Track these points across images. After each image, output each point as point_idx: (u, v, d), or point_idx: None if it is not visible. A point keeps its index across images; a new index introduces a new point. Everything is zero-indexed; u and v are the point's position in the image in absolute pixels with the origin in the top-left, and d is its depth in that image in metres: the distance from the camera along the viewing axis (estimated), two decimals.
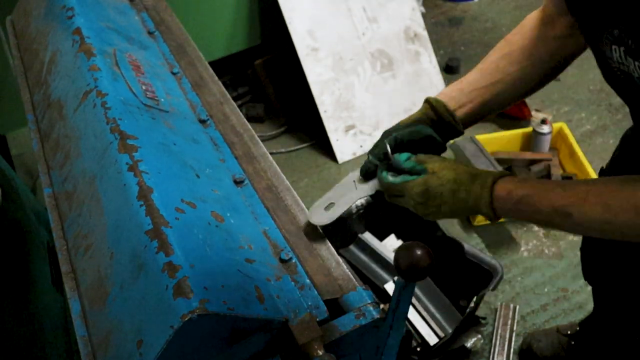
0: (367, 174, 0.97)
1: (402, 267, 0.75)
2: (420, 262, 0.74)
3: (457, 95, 1.00)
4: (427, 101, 1.00)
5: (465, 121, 1.01)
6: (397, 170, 0.92)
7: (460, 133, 1.00)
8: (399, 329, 0.80)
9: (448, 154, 2.41)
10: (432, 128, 0.98)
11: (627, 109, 0.95)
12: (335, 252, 0.90)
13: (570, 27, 0.95)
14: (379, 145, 0.96)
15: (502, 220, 2.18)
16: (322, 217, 0.93)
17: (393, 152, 0.94)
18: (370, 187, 0.96)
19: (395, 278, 0.82)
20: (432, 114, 0.99)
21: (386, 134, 0.97)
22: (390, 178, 0.90)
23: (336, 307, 0.80)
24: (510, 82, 0.99)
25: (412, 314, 1.68)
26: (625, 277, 1.09)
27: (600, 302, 1.36)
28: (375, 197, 0.96)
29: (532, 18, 1.01)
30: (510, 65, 0.99)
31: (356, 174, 0.98)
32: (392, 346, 0.82)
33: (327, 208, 0.95)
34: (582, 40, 0.93)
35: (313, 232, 0.92)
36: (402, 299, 0.77)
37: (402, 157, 0.92)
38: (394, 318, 0.78)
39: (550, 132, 2.29)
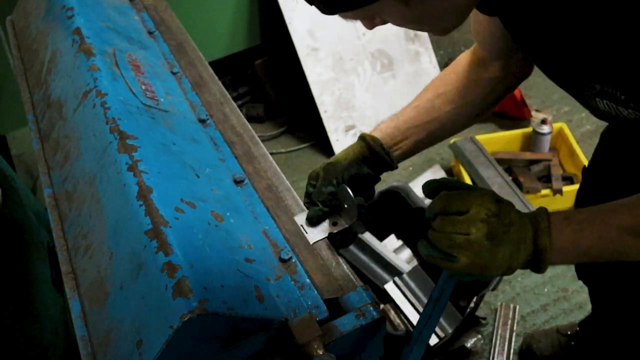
0: (316, 222, 0.91)
1: None
2: None
3: (392, 132, 1.01)
4: (363, 138, 1.00)
5: (399, 158, 1.02)
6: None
7: (393, 168, 1.02)
8: (436, 320, 0.81)
9: (449, 154, 2.41)
10: (365, 163, 0.98)
11: None
12: (336, 252, 0.89)
13: (503, 69, 0.98)
14: (322, 192, 0.91)
15: None
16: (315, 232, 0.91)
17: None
18: (322, 231, 0.91)
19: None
20: (366, 152, 0.99)
21: (326, 180, 0.93)
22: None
23: (336, 307, 0.80)
24: (444, 121, 1.01)
25: (411, 314, 1.68)
26: (619, 274, 1.09)
27: (597, 301, 1.36)
28: (330, 238, 0.90)
29: (464, 58, 1.02)
30: (445, 105, 1.00)
31: (302, 218, 0.93)
32: (426, 336, 0.84)
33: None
34: (514, 79, 0.98)
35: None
36: (445, 289, 0.78)
37: (442, 180, 0.78)
38: (434, 308, 0.79)
39: (550, 132, 2.29)
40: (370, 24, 0.74)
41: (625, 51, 0.65)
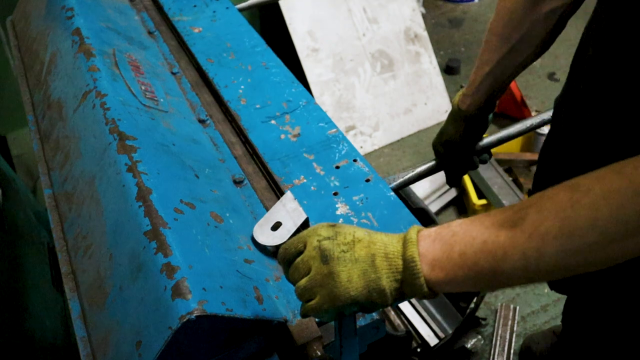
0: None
1: None
2: None
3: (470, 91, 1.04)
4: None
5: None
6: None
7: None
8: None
9: None
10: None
11: None
12: None
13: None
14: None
15: None
16: (271, 237, 0.84)
17: None
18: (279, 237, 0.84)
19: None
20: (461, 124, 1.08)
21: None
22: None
23: None
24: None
25: (412, 315, 1.68)
26: (588, 282, 1.05)
27: (568, 310, 1.34)
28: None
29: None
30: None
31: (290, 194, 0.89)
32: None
33: (274, 228, 0.85)
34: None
35: None
36: (343, 333, 0.69)
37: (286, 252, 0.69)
38: (341, 354, 0.71)
39: None
40: None
41: None
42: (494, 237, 0.58)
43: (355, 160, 0.98)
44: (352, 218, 0.88)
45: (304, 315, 0.66)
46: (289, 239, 0.80)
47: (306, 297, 0.65)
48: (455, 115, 1.08)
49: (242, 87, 1.15)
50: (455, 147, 1.12)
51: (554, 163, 1.08)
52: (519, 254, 0.56)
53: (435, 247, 0.62)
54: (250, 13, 2.52)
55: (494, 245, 0.58)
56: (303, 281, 0.64)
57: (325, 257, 0.63)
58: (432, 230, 0.64)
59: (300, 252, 0.65)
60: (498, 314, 1.87)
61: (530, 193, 1.22)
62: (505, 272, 0.58)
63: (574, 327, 1.30)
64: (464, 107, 1.06)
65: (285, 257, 0.67)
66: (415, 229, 0.64)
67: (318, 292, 0.63)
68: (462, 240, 0.60)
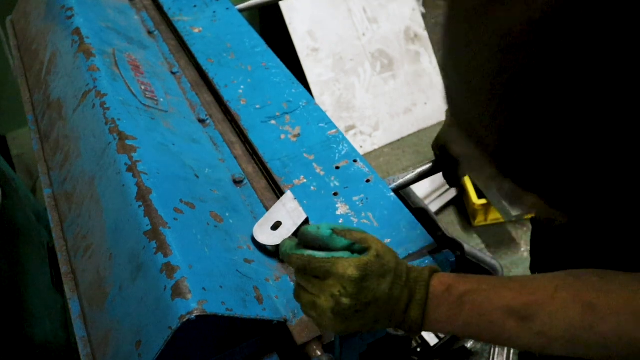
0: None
1: None
2: None
3: None
4: None
5: None
6: (311, 248, 0.67)
7: None
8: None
9: None
10: None
11: None
12: None
13: None
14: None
15: (502, 220, 2.18)
16: (271, 237, 0.84)
17: None
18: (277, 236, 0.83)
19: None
20: None
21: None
22: (309, 251, 0.65)
23: None
24: None
25: None
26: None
27: None
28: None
29: None
30: None
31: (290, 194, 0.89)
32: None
33: (274, 227, 0.84)
34: None
35: None
36: (344, 350, 0.73)
37: (324, 231, 0.66)
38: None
39: None
40: None
41: None
42: (501, 323, 0.59)
43: (355, 161, 0.98)
44: (352, 218, 0.88)
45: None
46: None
47: (299, 300, 0.67)
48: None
49: (242, 87, 1.15)
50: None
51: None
52: (523, 344, 0.59)
53: (440, 311, 0.63)
54: (250, 13, 2.52)
55: (500, 329, 0.59)
56: (309, 311, 0.65)
57: (337, 312, 0.62)
58: (443, 287, 0.63)
59: (318, 277, 0.64)
60: None
61: None
62: (506, 346, 0.61)
63: None
64: None
65: (304, 270, 0.64)
66: (423, 284, 0.64)
67: (321, 323, 0.65)
68: (470, 313, 0.61)
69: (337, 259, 0.63)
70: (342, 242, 0.65)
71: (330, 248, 0.65)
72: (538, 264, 1.18)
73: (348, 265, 0.62)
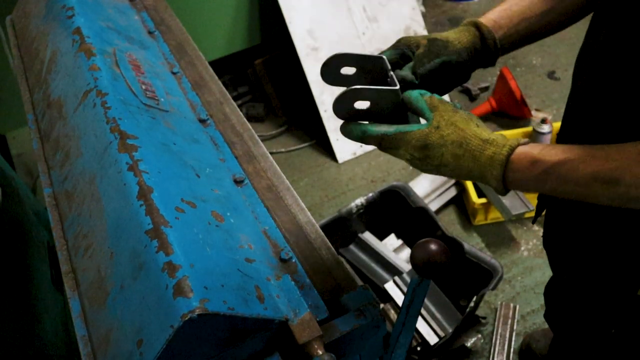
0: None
1: (418, 262, 0.75)
2: (436, 258, 0.74)
3: (505, 23, 0.89)
4: (478, 27, 0.87)
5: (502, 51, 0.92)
6: (399, 108, 0.77)
7: (493, 65, 0.91)
8: (411, 327, 0.80)
9: None
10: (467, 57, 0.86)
11: None
12: (335, 252, 0.90)
13: None
14: (424, 63, 0.82)
15: (501, 219, 2.18)
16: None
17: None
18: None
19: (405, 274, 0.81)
20: (478, 43, 0.87)
21: (432, 54, 0.83)
22: (382, 129, 0.74)
23: (336, 306, 0.80)
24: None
25: None
26: (588, 246, 1.03)
27: (558, 271, 1.31)
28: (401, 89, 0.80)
29: None
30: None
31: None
32: (403, 344, 0.82)
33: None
34: None
35: (313, 232, 0.92)
36: (416, 296, 0.77)
37: (413, 95, 0.76)
38: (407, 315, 0.78)
39: (550, 132, 2.29)
40: None
41: None
42: (587, 186, 0.65)
43: None
44: None
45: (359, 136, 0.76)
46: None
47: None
48: (474, 38, 0.87)
49: None
50: (443, 72, 0.88)
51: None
52: (605, 202, 0.66)
53: (524, 182, 0.69)
54: (251, 13, 2.52)
55: (585, 190, 0.66)
56: (395, 152, 0.75)
57: (416, 167, 0.75)
58: (526, 164, 0.68)
59: (391, 148, 0.75)
60: (498, 312, 1.87)
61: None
62: (588, 201, 0.68)
63: (554, 305, 1.30)
64: (497, 34, 0.89)
65: (378, 145, 0.75)
66: (500, 164, 0.69)
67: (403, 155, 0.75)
68: (556, 181, 0.67)
69: (403, 133, 0.73)
70: (418, 104, 0.75)
71: (411, 107, 0.76)
72: (552, 242, 1.16)
73: (410, 138, 0.73)
